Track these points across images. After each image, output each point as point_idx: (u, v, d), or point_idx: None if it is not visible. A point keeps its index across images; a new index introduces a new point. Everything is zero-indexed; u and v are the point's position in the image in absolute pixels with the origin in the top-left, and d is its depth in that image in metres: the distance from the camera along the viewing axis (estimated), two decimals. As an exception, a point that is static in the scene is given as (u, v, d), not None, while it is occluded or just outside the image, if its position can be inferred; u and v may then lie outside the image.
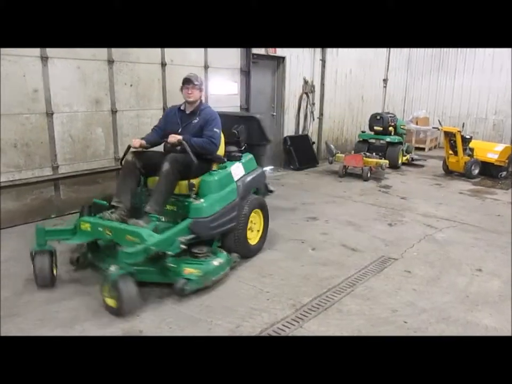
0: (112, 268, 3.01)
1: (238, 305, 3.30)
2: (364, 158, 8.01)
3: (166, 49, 6.14)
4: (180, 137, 3.77)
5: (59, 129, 5.20)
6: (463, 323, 3.18)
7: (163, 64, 6.17)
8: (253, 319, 3.12)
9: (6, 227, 4.83)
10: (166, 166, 3.57)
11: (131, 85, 5.84)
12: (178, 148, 3.78)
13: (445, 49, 11.83)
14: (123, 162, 3.85)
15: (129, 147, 3.91)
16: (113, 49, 5.52)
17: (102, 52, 5.45)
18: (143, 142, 3.92)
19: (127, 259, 3.04)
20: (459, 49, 11.57)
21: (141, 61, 5.88)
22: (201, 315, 3.15)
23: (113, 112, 5.70)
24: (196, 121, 3.99)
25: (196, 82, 3.96)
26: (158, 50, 6.09)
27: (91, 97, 5.44)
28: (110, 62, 5.54)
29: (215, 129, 3.93)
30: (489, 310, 3.37)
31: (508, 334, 3.02)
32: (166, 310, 3.22)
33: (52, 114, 5.09)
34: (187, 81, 3.98)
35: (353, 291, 3.59)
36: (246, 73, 7.55)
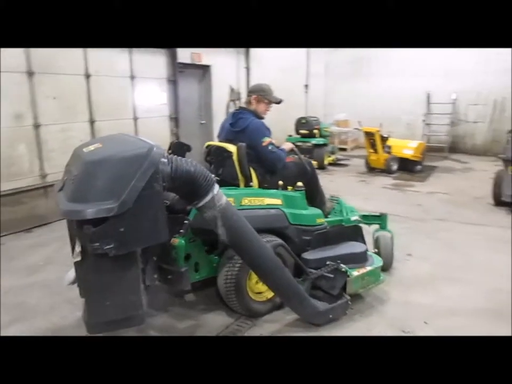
0: None
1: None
2: (293, 161, 8.28)
3: (90, 60, 5.96)
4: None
5: (-23, 147, 4.86)
6: (400, 303, 3.46)
7: (87, 76, 5.98)
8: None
9: None
10: None
11: (54, 98, 5.60)
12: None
13: (360, 55, 12.56)
14: None
15: None
16: (33, 60, 5.25)
17: (20, 63, 5.17)
18: None
19: None
20: (373, 55, 12.35)
21: (64, 72, 5.66)
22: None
23: (36, 126, 5.42)
24: None
25: None
26: (81, 60, 5.89)
27: (11, 111, 5.14)
28: (30, 73, 5.27)
29: None
30: (422, 289, 3.70)
31: (444, 308, 3.35)
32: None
33: (-32, 131, 4.76)
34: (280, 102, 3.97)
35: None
36: (173, 82, 7.53)
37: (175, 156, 2.48)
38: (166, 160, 2.32)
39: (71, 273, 2.50)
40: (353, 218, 3.99)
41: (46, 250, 4.67)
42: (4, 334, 3.06)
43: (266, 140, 3.54)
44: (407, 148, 9.08)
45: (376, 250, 3.97)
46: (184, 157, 3.53)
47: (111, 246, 2.11)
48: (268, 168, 3.62)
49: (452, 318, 3.23)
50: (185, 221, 2.95)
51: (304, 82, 12.10)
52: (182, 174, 2.36)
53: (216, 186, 2.53)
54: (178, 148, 3.72)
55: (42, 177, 5.52)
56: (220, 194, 2.56)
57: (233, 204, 3.03)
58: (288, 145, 3.95)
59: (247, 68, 9.49)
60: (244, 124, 3.60)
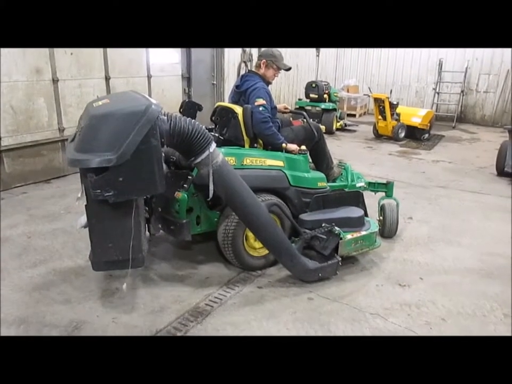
0: None
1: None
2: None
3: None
4: None
5: (-1, 99, 5.03)
6: (399, 261, 3.70)
7: (103, 32, 6.05)
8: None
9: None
10: None
11: (71, 53, 5.70)
12: None
13: (372, 19, 12.41)
14: None
15: None
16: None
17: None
18: None
19: None
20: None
21: (80, 28, 5.73)
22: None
23: (55, 81, 5.56)
24: None
25: None
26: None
27: (31, 66, 5.27)
28: (49, 29, 5.36)
29: None
30: (420, 249, 3.95)
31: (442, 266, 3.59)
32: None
33: (-10, 84, 4.91)
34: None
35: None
36: (186, 41, 7.56)
37: (174, 114, 2.65)
38: (165, 118, 2.51)
39: (83, 218, 2.75)
40: (359, 184, 4.16)
41: (65, 200, 4.92)
42: (31, 274, 3.36)
43: (259, 101, 3.55)
44: (416, 116, 9.13)
45: (381, 218, 4.15)
46: (195, 116, 3.72)
47: (111, 193, 2.34)
48: (253, 128, 3.52)
49: (446, 276, 3.49)
50: (189, 177, 3.10)
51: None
52: (179, 131, 2.53)
53: (213, 145, 2.69)
54: (190, 107, 3.84)
55: (60, 131, 5.71)
56: (217, 153, 2.71)
57: (234, 163, 3.22)
58: (280, 105, 4.30)
59: (260, 29, 9.43)
60: (247, 86, 3.71)
